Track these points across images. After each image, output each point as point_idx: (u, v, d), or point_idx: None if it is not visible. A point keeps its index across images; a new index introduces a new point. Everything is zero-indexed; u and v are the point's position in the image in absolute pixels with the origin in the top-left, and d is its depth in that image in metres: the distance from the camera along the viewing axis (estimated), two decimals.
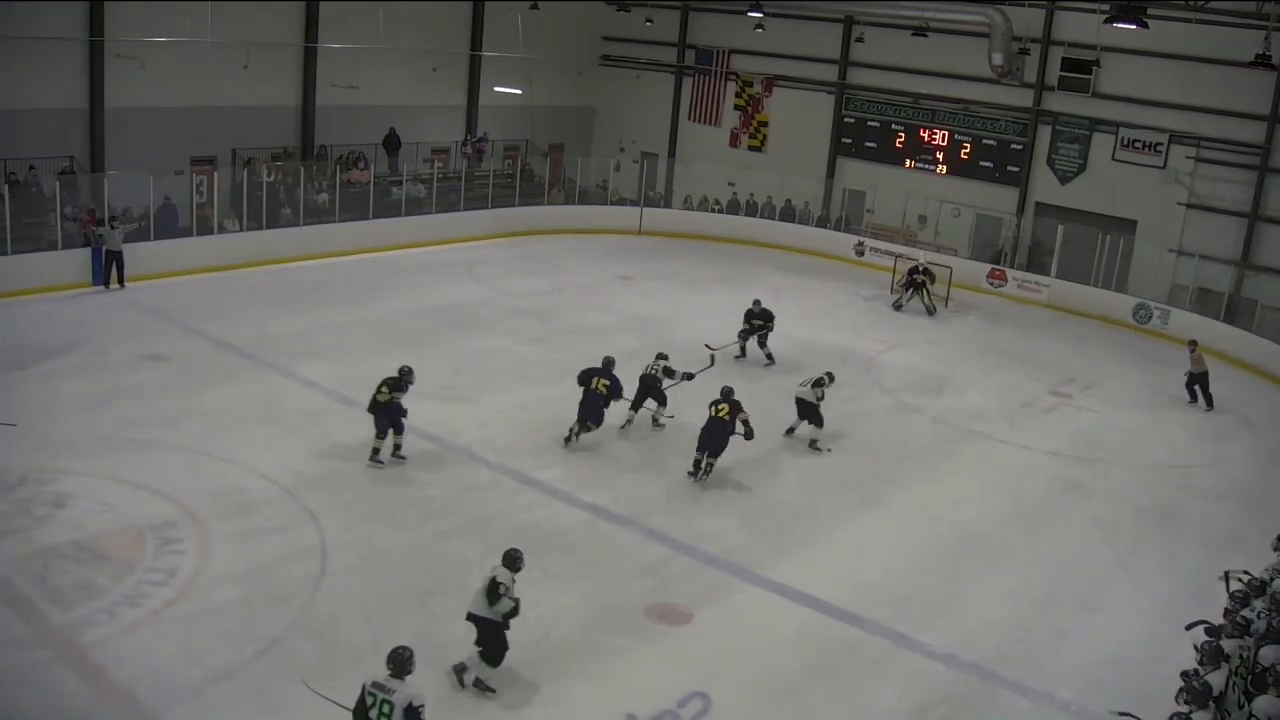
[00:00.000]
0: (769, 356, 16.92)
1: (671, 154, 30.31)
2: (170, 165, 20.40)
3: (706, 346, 15.73)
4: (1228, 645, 7.75)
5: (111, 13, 20.09)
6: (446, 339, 16.79)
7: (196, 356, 15.02)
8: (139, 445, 11.81)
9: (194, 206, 20.09)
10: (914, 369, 17.48)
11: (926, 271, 21.49)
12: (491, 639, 8.06)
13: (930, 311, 21.17)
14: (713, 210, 27.91)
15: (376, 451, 11.91)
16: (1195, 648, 8.05)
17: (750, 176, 27.89)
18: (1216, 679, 7.31)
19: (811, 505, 11.95)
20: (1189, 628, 8.48)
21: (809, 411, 13.62)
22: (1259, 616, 8.20)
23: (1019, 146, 24.95)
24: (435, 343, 16.53)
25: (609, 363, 13.10)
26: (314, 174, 22.65)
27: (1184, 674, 7.68)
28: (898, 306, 21.29)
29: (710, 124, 30.12)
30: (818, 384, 13.65)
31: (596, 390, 12.73)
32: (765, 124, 29.24)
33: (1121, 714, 7.62)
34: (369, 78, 24.66)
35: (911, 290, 21.33)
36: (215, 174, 20.73)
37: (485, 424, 13.35)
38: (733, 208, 27.96)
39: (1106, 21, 18.41)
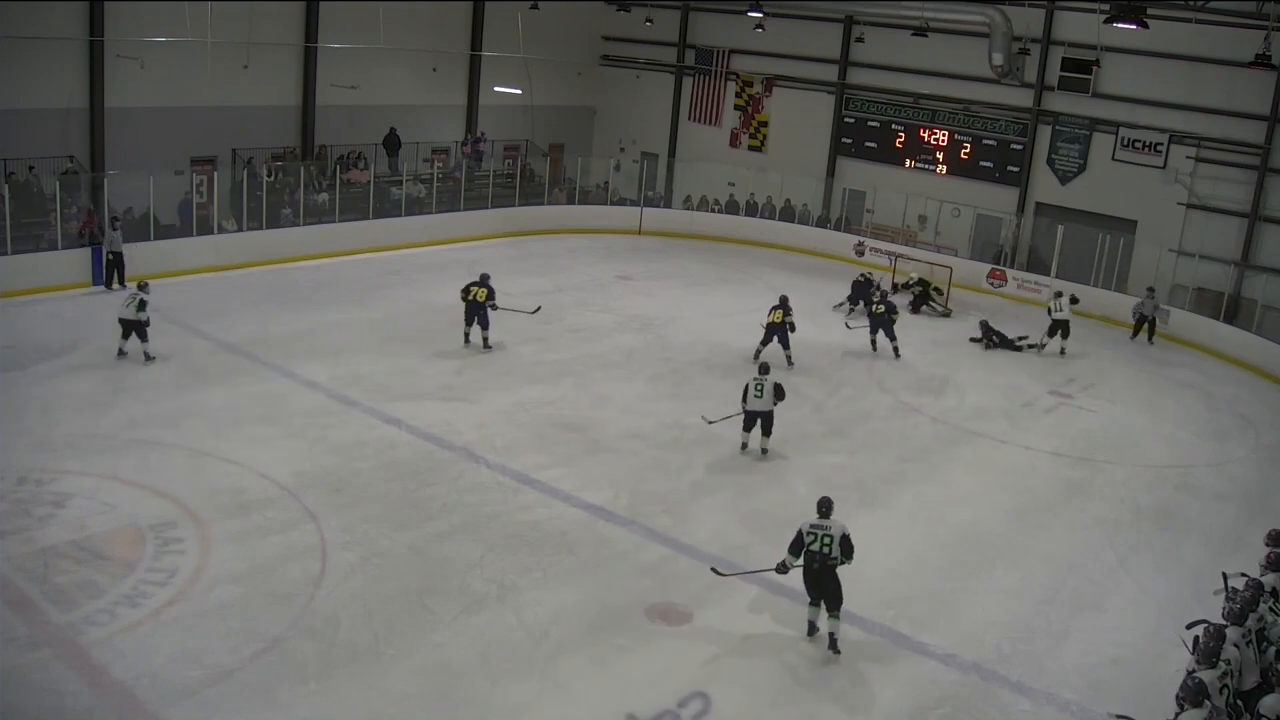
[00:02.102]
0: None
1: (671, 154, 30.31)
2: (170, 165, 20.44)
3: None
4: (1232, 634, 7.74)
5: (111, 13, 20.09)
6: (447, 339, 16.79)
7: (196, 356, 15.03)
8: (139, 445, 11.81)
9: (194, 206, 20.10)
10: (914, 369, 17.48)
11: (921, 282, 21.53)
12: (770, 422, 12.91)
13: (946, 314, 21.20)
14: (713, 210, 27.93)
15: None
16: (1184, 642, 8.04)
17: (750, 176, 27.90)
18: (1209, 676, 7.29)
19: (811, 505, 11.87)
20: (1189, 627, 8.47)
21: (1062, 326, 18.53)
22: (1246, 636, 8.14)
23: (1019, 146, 24.95)
24: (435, 343, 16.53)
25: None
26: (313, 174, 22.65)
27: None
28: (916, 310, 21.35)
29: (710, 124, 30.12)
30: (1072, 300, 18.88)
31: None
32: (765, 124, 29.25)
33: (1119, 716, 7.61)
34: (369, 78, 24.68)
35: (921, 303, 21.30)
36: (215, 174, 20.74)
37: (485, 424, 13.35)
38: (732, 208, 27.97)
39: (1106, 21, 18.40)
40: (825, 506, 9.19)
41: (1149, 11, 17.49)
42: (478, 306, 16.20)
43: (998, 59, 24.11)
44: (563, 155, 29.08)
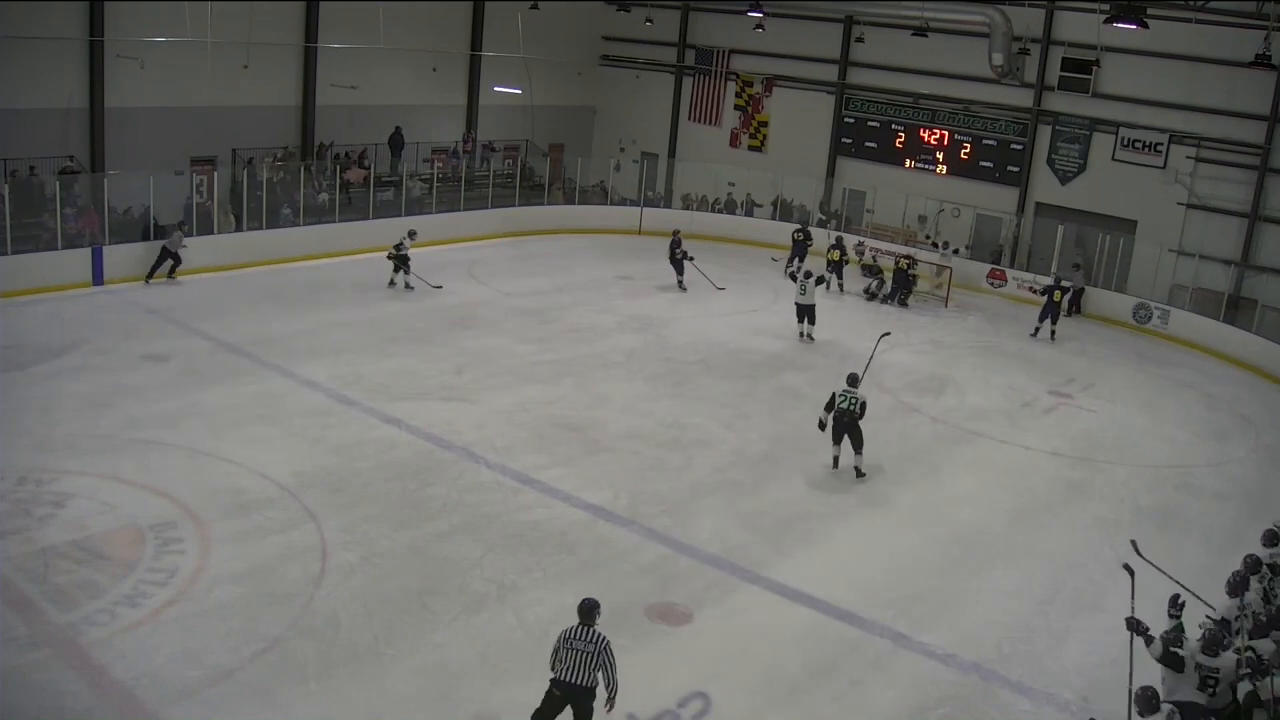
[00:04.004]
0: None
1: (671, 154, 30.32)
2: (170, 165, 20.43)
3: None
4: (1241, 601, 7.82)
5: (111, 13, 20.11)
6: (446, 339, 16.80)
7: (196, 356, 15.03)
8: (139, 445, 11.81)
9: (194, 206, 20.10)
10: (914, 369, 17.47)
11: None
12: (814, 314, 18.02)
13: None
14: (713, 210, 27.92)
15: None
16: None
17: (750, 176, 27.90)
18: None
19: (811, 505, 11.95)
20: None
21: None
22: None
23: (1019, 146, 24.95)
24: (435, 343, 16.54)
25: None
26: (313, 174, 22.65)
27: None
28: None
29: (710, 124, 30.13)
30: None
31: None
32: (765, 124, 29.26)
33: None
34: (369, 78, 24.69)
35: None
36: (215, 174, 20.74)
37: (485, 424, 13.34)
38: (731, 207, 27.98)
39: (1106, 21, 18.41)
40: (853, 380, 12.69)
41: (1149, 11, 17.50)
42: (676, 259, 20.97)
43: (998, 59, 24.11)
44: (563, 155, 29.08)
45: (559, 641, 7.23)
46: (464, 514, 10.93)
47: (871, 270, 22.35)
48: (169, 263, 18.55)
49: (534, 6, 25.55)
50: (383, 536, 10.28)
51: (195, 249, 19.62)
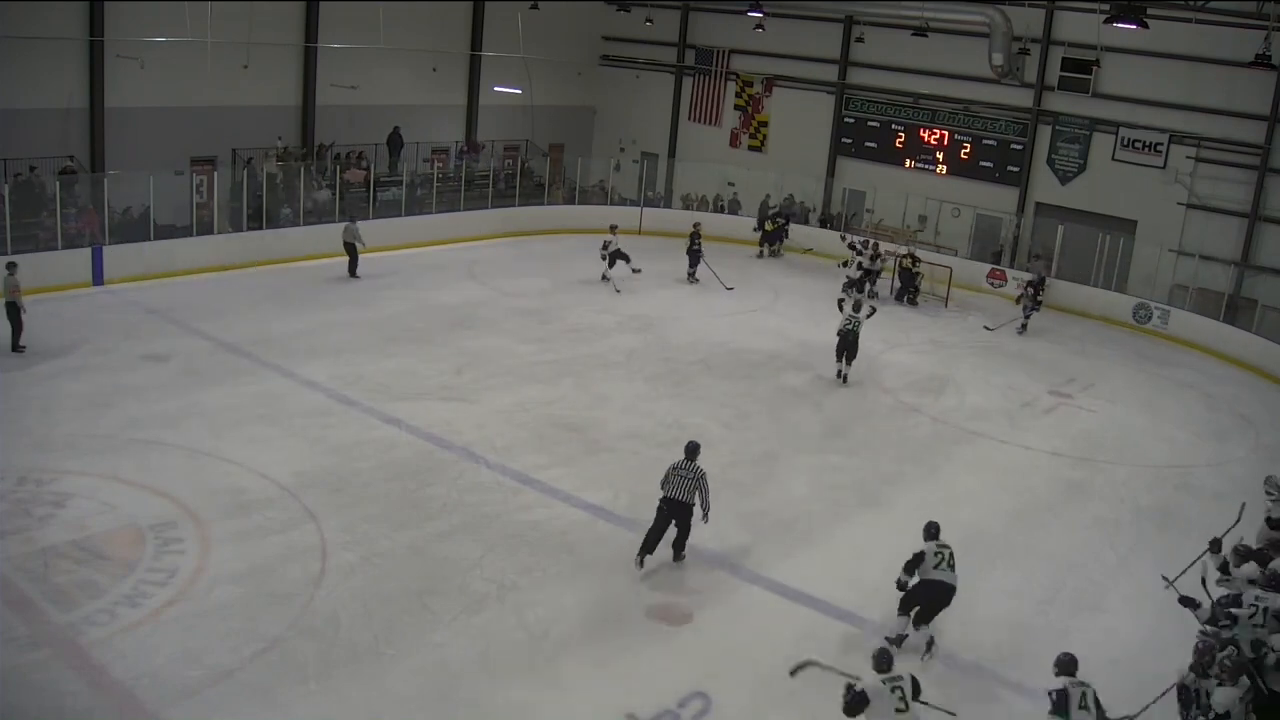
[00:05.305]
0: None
1: (671, 154, 30.32)
2: (170, 165, 20.43)
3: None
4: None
5: (111, 13, 20.11)
6: (446, 339, 16.80)
7: (196, 356, 15.03)
8: (139, 445, 11.82)
9: (194, 206, 20.10)
10: (914, 369, 17.48)
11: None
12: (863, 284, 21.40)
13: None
14: (717, 209, 27.90)
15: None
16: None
17: (750, 177, 27.90)
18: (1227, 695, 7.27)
19: (811, 505, 11.95)
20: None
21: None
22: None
23: (1019, 146, 24.95)
24: (435, 343, 16.54)
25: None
26: (313, 174, 22.65)
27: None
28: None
29: (710, 124, 30.13)
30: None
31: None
32: (765, 124, 29.25)
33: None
34: (369, 78, 24.69)
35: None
36: (215, 174, 20.74)
37: (485, 424, 13.34)
38: (733, 207, 27.97)
39: (1106, 21, 18.41)
40: (857, 306, 16.23)
41: (1149, 11, 17.50)
42: (696, 251, 21.80)
43: (998, 59, 24.12)
44: (563, 155, 29.07)
45: (669, 471, 9.84)
46: (464, 514, 10.93)
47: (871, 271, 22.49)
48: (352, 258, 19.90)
49: (534, 6, 25.54)
50: (383, 536, 10.28)
51: (195, 249, 19.67)
